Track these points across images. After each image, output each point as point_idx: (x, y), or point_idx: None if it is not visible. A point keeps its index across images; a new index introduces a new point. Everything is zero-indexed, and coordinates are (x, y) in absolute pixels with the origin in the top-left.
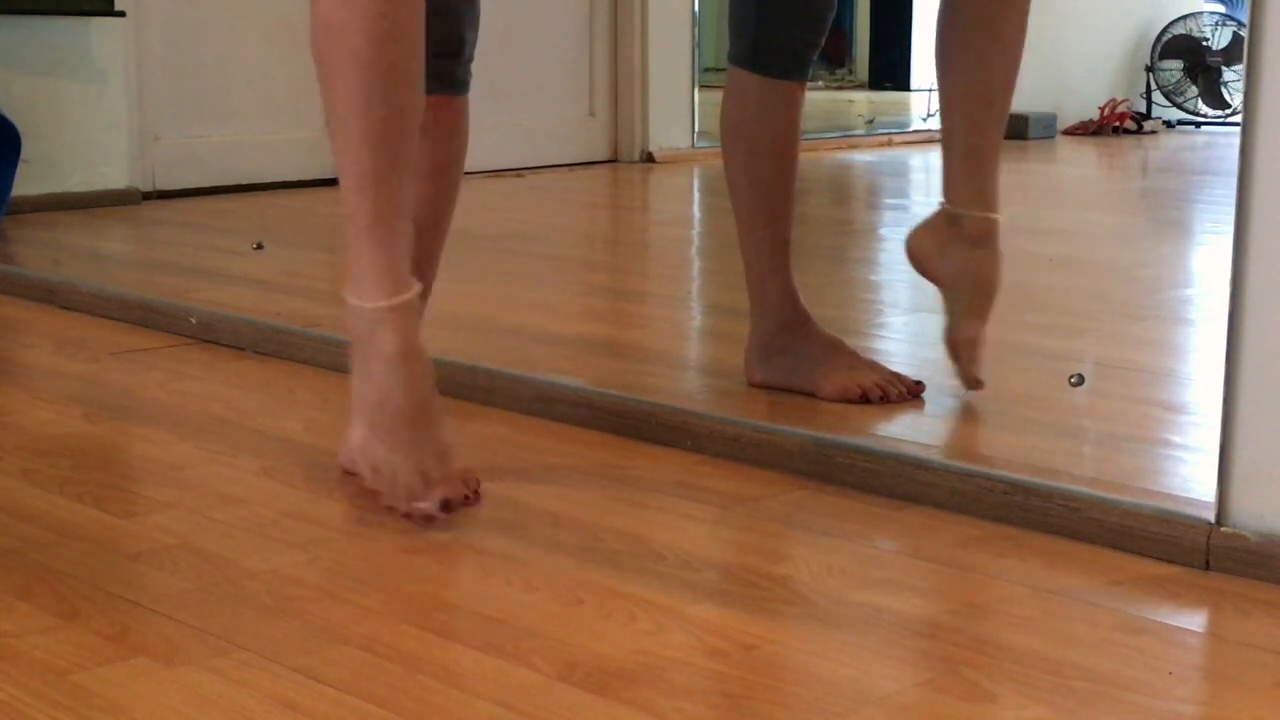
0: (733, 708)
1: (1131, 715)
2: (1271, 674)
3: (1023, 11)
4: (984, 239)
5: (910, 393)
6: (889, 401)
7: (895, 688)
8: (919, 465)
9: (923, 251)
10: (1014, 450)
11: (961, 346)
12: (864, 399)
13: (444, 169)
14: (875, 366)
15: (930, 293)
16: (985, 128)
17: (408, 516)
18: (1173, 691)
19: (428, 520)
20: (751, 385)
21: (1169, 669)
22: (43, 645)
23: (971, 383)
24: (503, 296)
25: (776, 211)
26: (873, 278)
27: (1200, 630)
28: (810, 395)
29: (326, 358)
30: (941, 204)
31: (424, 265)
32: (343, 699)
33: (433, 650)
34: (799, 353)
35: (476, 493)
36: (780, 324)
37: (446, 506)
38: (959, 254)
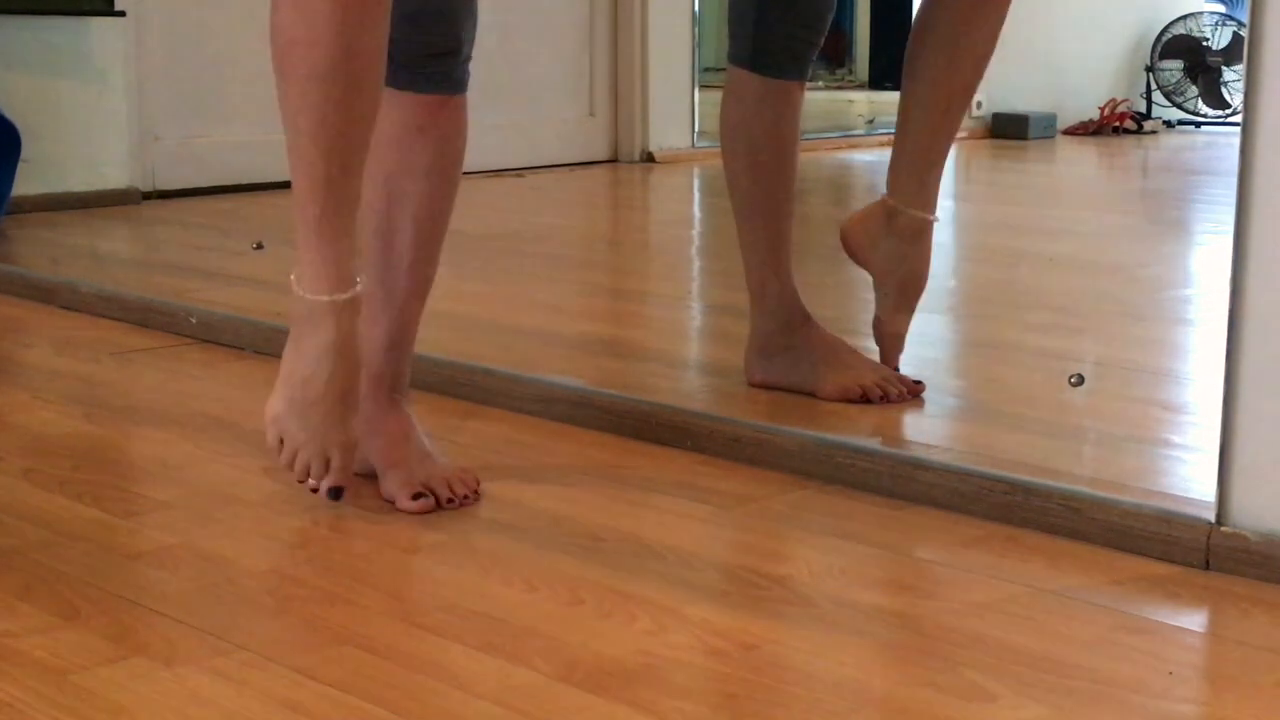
0: (733, 708)
1: (1131, 715)
2: (1271, 674)
3: (996, 25)
4: (917, 236)
5: (910, 393)
6: (889, 401)
7: (895, 688)
8: (919, 465)
9: (857, 240)
10: (1014, 450)
11: (886, 337)
12: (864, 399)
13: (443, 169)
14: (875, 366)
15: (930, 293)
16: (939, 131)
17: (300, 482)
18: (1173, 691)
19: (313, 492)
20: (751, 385)
21: (1169, 669)
22: (43, 645)
23: (891, 367)
24: (503, 296)
25: (776, 211)
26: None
27: (1200, 630)
28: (810, 395)
29: None
30: (882, 196)
31: (423, 265)
32: (343, 699)
33: (433, 650)
34: (799, 353)
35: (476, 492)
36: (780, 324)
37: (335, 494)
38: (891, 248)
